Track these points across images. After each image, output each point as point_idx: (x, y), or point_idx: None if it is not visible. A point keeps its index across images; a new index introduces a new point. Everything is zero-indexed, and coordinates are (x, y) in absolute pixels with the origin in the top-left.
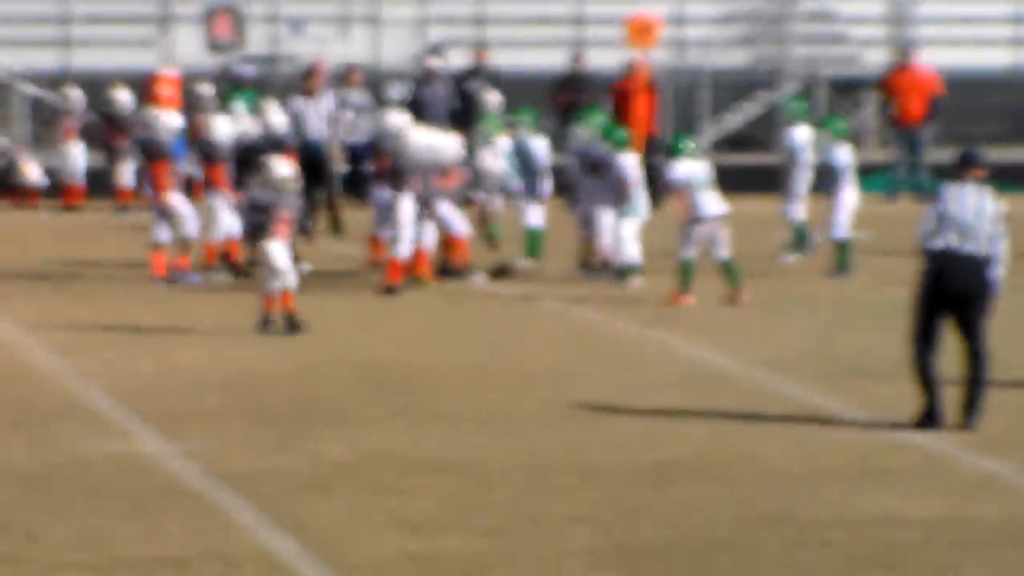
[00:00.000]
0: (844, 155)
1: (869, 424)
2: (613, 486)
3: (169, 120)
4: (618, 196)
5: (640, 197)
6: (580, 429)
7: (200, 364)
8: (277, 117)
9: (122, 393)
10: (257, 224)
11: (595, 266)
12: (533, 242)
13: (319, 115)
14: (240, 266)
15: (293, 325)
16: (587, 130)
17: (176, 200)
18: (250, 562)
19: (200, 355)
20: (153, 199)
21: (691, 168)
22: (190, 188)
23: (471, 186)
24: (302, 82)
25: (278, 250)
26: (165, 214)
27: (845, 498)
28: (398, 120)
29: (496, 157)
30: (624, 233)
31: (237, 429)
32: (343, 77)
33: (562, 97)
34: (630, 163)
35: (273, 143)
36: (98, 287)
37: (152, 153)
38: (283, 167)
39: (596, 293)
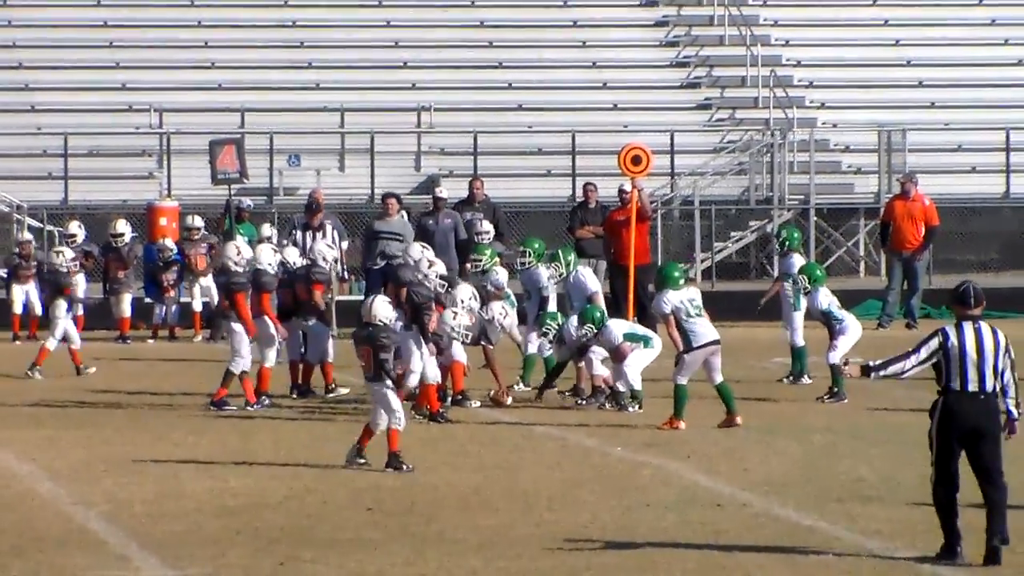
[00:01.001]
0: (824, 298)
1: (862, 546)
2: None
3: (246, 252)
4: (616, 357)
5: (654, 333)
6: (577, 553)
7: (200, 491)
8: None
9: (122, 520)
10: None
11: (586, 392)
12: (529, 368)
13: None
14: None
15: (397, 463)
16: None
17: (260, 327)
18: None
19: (201, 483)
20: (234, 329)
21: (682, 297)
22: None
23: (481, 335)
24: (305, 215)
25: (392, 392)
26: (257, 340)
27: None
28: (416, 253)
29: (506, 314)
30: (636, 361)
31: (236, 554)
32: (381, 208)
33: (583, 232)
34: (617, 330)
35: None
36: (99, 416)
37: (234, 285)
38: (386, 308)
39: (591, 418)
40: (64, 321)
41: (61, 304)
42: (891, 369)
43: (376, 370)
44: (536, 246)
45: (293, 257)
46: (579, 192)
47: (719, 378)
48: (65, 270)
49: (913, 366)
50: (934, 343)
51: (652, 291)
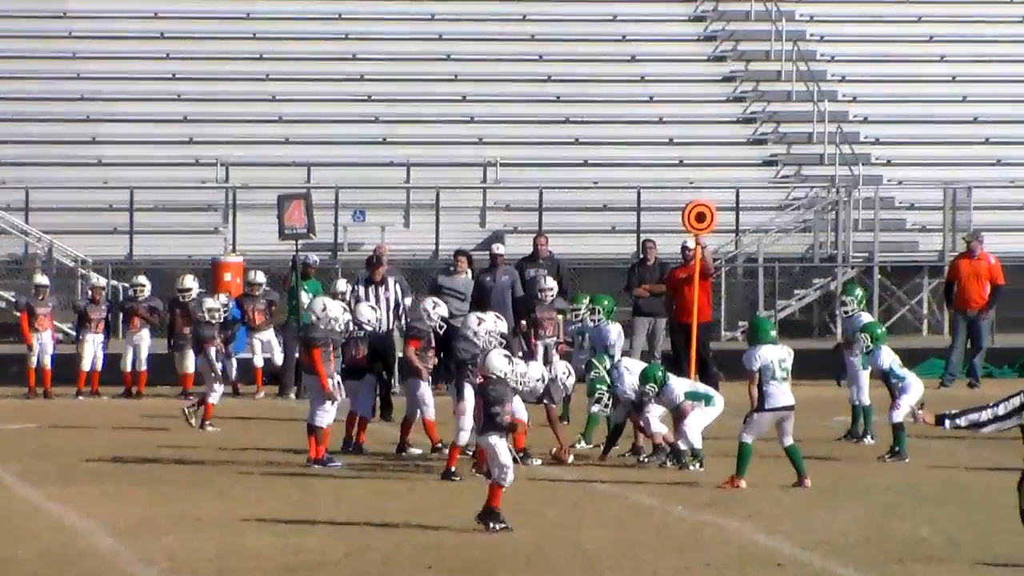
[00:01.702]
0: (886, 357)
1: None
2: None
3: (332, 310)
4: (678, 416)
5: (716, 392)
6: None
7: (262, 548)
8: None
9: None
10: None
11: (646, 451)
12: (591, 426)
13: (384, 303)
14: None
15: (492, 519)
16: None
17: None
18: None
19: (262, 539)
20: (319, 385)
21: (774, 356)
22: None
23: (544, 394)
24: (366, 269)
25: (503, 446)
26: (330, 398)
27: None
28: (441, 312)
29: (569, 374)
30: (697, 420)
31: None
32: (452, 265)
33: (640, 291)
34: (679, 389)
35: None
36: (162, 473)
37: (312, 341)
38: (502, 361)
39: (651, 476)
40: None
41: (211, 354)
42: (967, 419)
43: (486, 423)
44: (606, 303)
45: (369, 315)
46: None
47: (789, 441)
48: (213, 322)
49: (990, 420)
50: (1016, 401)
51: (712, 349)
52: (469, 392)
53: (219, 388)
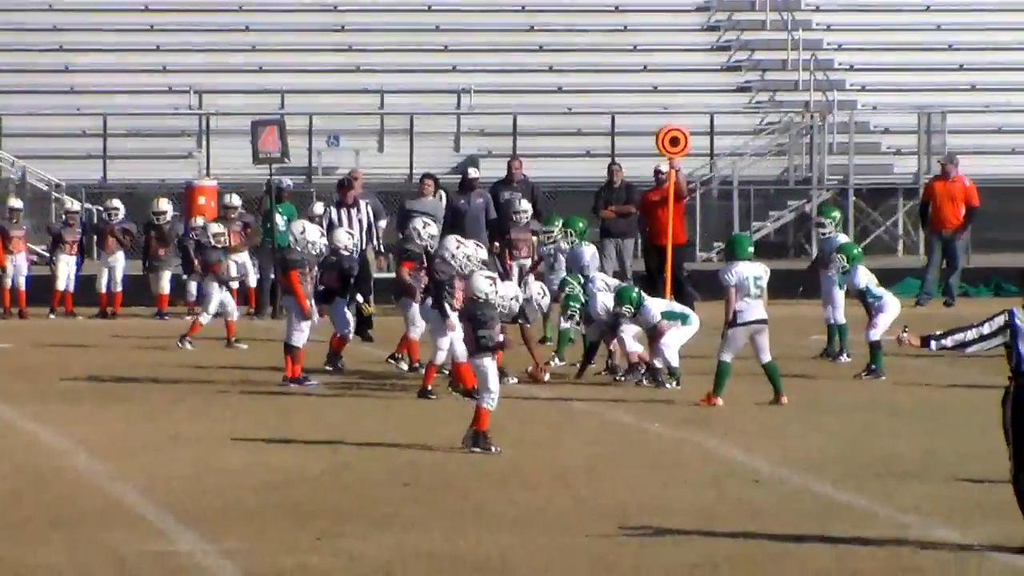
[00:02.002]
0: (863, 276)
1: (899, 522)
2: None
3: (311, 233)
4: (655, 336)
5: (692, 312)
6: (614, 529)
7: (238, 467)
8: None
9: (159, 494)
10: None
11: (622, 369)
12: (563, 343)
13: (356, 224)
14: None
15: (484, 443)
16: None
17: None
18: None
19: (239, 458)
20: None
21: (748, 272)
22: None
23: (519, 314)
24: (338, 192)
25: (493, 370)
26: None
27: None
28: (432, 232)
29: (544, 294)
30: (673, 339)
31: (274, 528)
32: (420, 187)
33: (606, 213)
34: (655, 309)
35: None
36: (137, 392)
37: (290, 263)
38: (484, 283)
39: (628, 394)
40: (218, 295)
41: (213, 280)
42: (952, 339)
43: (475, 345)
44: (580, 225)
45: (345, 241)
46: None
47: (767, 357)
48: (218, 246)
49: (975, 339)
50: (1000, 320)
51: (687, 270)
52: (447, 312)
53: (211, 314)
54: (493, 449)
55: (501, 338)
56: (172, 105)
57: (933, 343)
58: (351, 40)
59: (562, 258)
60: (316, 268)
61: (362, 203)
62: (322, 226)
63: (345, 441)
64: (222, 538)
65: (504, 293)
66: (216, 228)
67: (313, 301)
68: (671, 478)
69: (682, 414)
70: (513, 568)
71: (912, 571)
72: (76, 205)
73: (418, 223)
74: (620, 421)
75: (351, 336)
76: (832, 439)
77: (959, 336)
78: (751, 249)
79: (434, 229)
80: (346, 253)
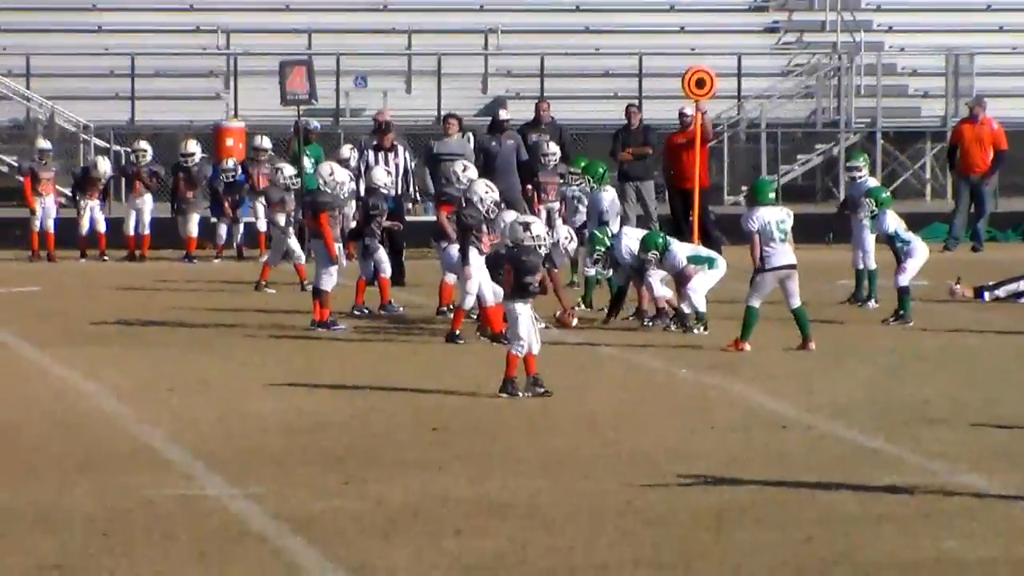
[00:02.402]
0: (891, 221)
1: (926, 468)
2: (674, 530)
3: (339, 174)
4: (681, 280)
5: (719, 255)
6: (641, 473)
7: (265, 411)
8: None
9: (186, 439)
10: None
11: (649, 314)
12: (589, 289)
13: (392, 169)
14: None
15: (538, 387)
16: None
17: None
18: None
19: (265, 402)
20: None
21: (771, 217)
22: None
23: (546, 258)
24: (375, 137)
25: (527, 317)
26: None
27: (903, 540)
28: (471, 175)
29: (572, 239)
30: (700, 283)
31: (300, 472)
32: (443, 128)
33: (623, 155)
34: (681, 253)
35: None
36: (165, 336)
37: (320, 205)
38: (539, 226)
39: (655, 339)
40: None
41: (279, 220)
42: (1005, 289)
43: (515, 290)
44: (599, 171)
45: (383, 178)
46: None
47: (796, 303)
48: (285, 187)
49: None
50: None
51: (713, 214)
52: (475, 256)
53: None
54: (520, 395)
55: (538, 286)
56: (200, 45)
57: (987, 294)
58: None
59: (585, 201)
60: (350, 208)
61: (399, 147)
62: (356, 168)
63: (372, 386)
64: (249, 482)
65: (541, 233)
66: (290, 170)
67: (342, 244)
68: (698, 423)
69: (709, 359)
70: (541, 512)
71: (939, 516)
72: (101, 164)
73: (457, 166)
74: (648, 366)
75: (383, 277)
76: (859, 385)
77: (1012, 286)
78: (772, 195)
79: (473, 172)
80: (384, 192)
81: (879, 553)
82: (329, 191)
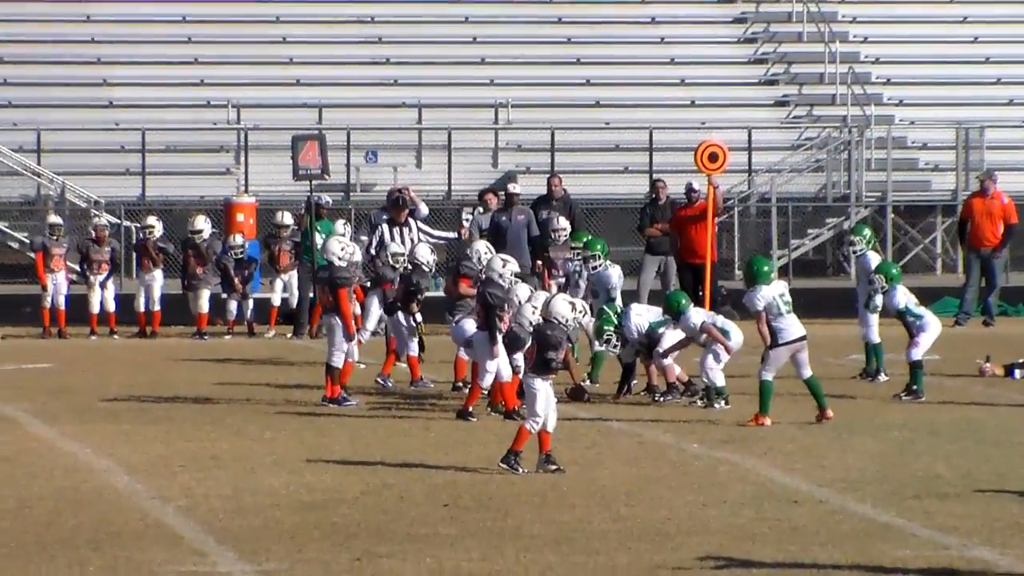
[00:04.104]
0: (902, 296)
1: (938, 542)
2: None
3: (350, 249)
4: (708, 344)
5: (734, 325)
6: (653, 548)
7: (277, 487)
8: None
9: (199, 515)
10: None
11: (660, 389)
12: (597, 366)
13: (407, 242)
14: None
15: (550, 464)
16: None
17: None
18: None
19: (278, 478)
20: (333, 324)
21: (773, 292)
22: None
23: None
24: (390, 211)
25: (544, 394)
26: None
27: None
28: (489, 253)
29: (585, 312)
30: (716, 359)
31: (313, 548)
32: (481, 200)
33: (652, 231)
34: (697, 317)
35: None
36: (176, 412)
37: (339, 281)
38: (565, 308)
39: (666, 414)
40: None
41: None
42: None
43: (537, 365)
44: (599, 246)
45: (427, 256)
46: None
47: (807, 373)
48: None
49: None
50: None
51: (724, 288)
52: (498, 335)
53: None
54: (520, 470)
55: (561, 362)
56: (211, 120)
57: (1017, 372)
58: (388, 52)
59: (588, 279)
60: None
61: (412, 222)
62: (367, 241)
63: (384, 461)
64: (261, 558)
65: (580, 314)
66: (396, 248)
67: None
68: (710, 498)
69: (720, 434)
70: None
71: None
72: (104, 220)
73: (480, 246)
74: (659, 441)
75: (412, 355)
76: (871, 459)
77: None
78: (769, 271)
79: (515, 266)
80: (426, 269)
81: None
82: (345, 265)
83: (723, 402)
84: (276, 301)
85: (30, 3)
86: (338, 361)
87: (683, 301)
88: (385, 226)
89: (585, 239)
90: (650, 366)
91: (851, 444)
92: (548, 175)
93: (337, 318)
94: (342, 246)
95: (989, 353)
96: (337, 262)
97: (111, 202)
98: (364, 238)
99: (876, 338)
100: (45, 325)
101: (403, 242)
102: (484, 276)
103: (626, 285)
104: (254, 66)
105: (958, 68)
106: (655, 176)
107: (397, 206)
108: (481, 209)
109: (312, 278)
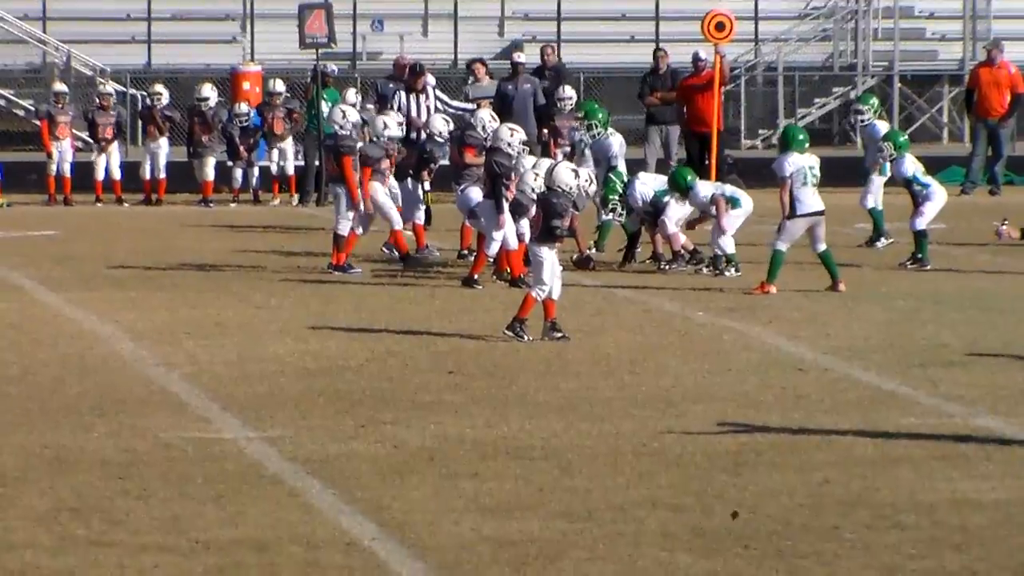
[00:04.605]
0: (909, 165)
1: (943, 410)
2: (691, 471)
3: (352, 116)
4: (717, 216)
5: (743, 192)
6: (657, 415)
7: (282, 353)
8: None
9: (203, 381)
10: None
11: (665, 257)
12: (604, 234)
13: (426, 112)
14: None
15: (556, 332)
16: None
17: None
18: (329, 544)
19: (282, 346)
20: (339, 192)
21: (803, 162)
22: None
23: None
24: (408, 79)
25: (551, 262)
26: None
27: (919, 482)
28: (494, 121)
29: (591, 181)
30: (728, 225)
31: (317, 415)
32: (469, 72)
33: (651, 100)
34: (705, 190)
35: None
36: (181, 279)
37: (342, 148)
38: (569, 176)
39: (672, 282)
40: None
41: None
42: None
43: (543, 233)
44: (600, 116)
45: (442, 127)
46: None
47: (822, 247)
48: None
49: None
50: None
51: (731, 157)
52: (505, 204)
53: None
54: (525, 337)
55: (567, 228)
56: None
57: None
58: None
59: (591, 148)
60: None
61: (429, 89)
62: (389, 110)
63: (389, 329)
64: (266, 425)
65: (585, 183)
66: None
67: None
68: (715, 366)
69: (726, 302)
70: (557, 454)
71: (955, 458)
72: (110, 87)
73: (484, 115)
74: (664, 309)
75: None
76: (876, 327)
77: None
78: (806, 143)
79: (522, 135)
80: (440, 140)
81: (895, 495)
82: (348, 133)
83: (733, 269)
84: (275, 169)
85: None
86: (343, 229)
87: (688, 177)
88: (402, 94)
89: (586, 108)
90: (655, 234)
91: (856, 312)
92: (542, 45)
93: (342, 187)
94: (343, 115)
95: (1006, 216)
96: (339, 131)
97: (117, 70)
98: (371, 106)
99: (874, 203)
100: (50, 192)
101: (419, 111)
102: (490, 144)
103: (631, 154)
104: None
105: None
106: (663, 45)
107: (415, 73)
108: (472, 80)
109: (318, 146)
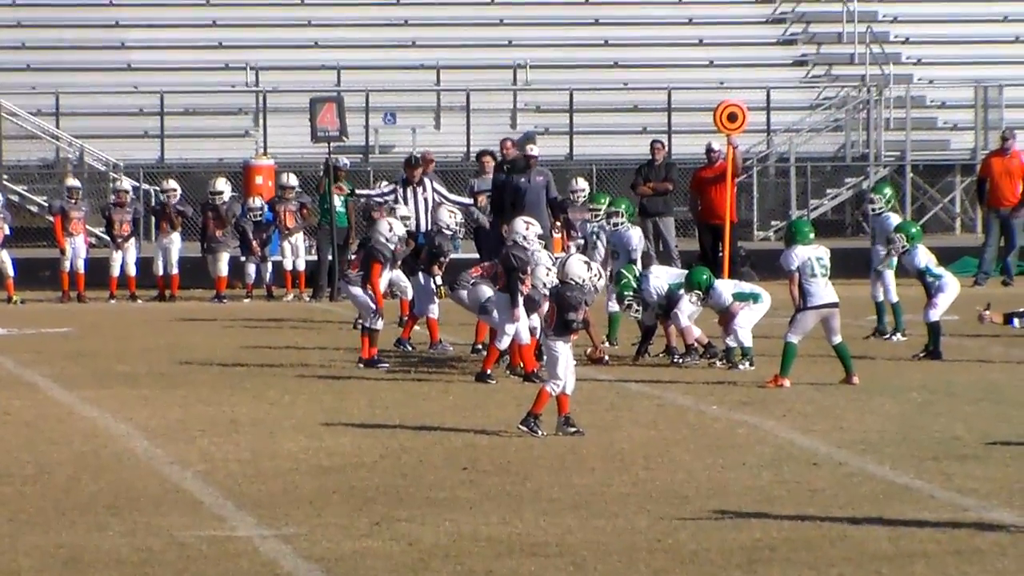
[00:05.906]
0: (922, 256)
1: (957, 504)
2: (706, 568)
3: (398, 229)
4: (729, 319)
5: (761, 288)
6: (672, 511)
7: (296, 451)
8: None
9: (218, 479)
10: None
11: (679, 351)
12: (614, 327)
13: (423, 204)
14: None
15: (569, 426)
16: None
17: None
18: None
19: (297, 442)
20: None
21: (810, 254)
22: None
23: None
24: (405, 171)
25: (566, 356)
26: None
27: None
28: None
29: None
30: (747, 319)
31: (332, 512)
32: (478, 164)
33: (643, 189)
34: (726, 291)
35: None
36: (195, 376)
37: (376, 257)
38: (581, 268)
39: (685, 376)
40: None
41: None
42: None
43: (558, 327)
44: (624, 206)
45: (448, 219)
46: (673, 150)
47: (837, 339)
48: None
49: None
50: None
51: (744, 249)
52: (520, 298)
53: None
54: (539, 433)
55: (581, 321)
56: (229, 83)
57: (1016, 320)
58: (406, 14)
59: (607, 240)
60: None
61: (427, 181)
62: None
63: (403, 425)
64: (280, 523)
65: (595, 276)
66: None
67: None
68: (728, 460)
69: (739, 396)
70: (572, 551)
71: (970, 553)
72: (127, 184)
73: (520, 225)
74: (677, 403)
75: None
76: (890, 421)
77: None
78: (810, 233)
79: (538, 228)
80: (448, 233)
81: None
82: (386, 246)
83: (748, 363)
84: (288, 265)
85: None
86: (379, 324)
87: (704, 277)
88: (399, 185)
89: (605, 199)
90: (669, 327)
91: (870, 405)
92: (567, 135)
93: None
94: (389, 228)
95: (989, 301)
96: (380, 241)
97: (129, 165)
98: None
99: (894, 296)
100: (64, 289)
101: (416, 203)
102: (507, 239)
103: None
104: (272, 28)
105: (976, 27)
106: (674, 136)
107: (409, 165)
108: (479, 171)
109: (331, 240)
